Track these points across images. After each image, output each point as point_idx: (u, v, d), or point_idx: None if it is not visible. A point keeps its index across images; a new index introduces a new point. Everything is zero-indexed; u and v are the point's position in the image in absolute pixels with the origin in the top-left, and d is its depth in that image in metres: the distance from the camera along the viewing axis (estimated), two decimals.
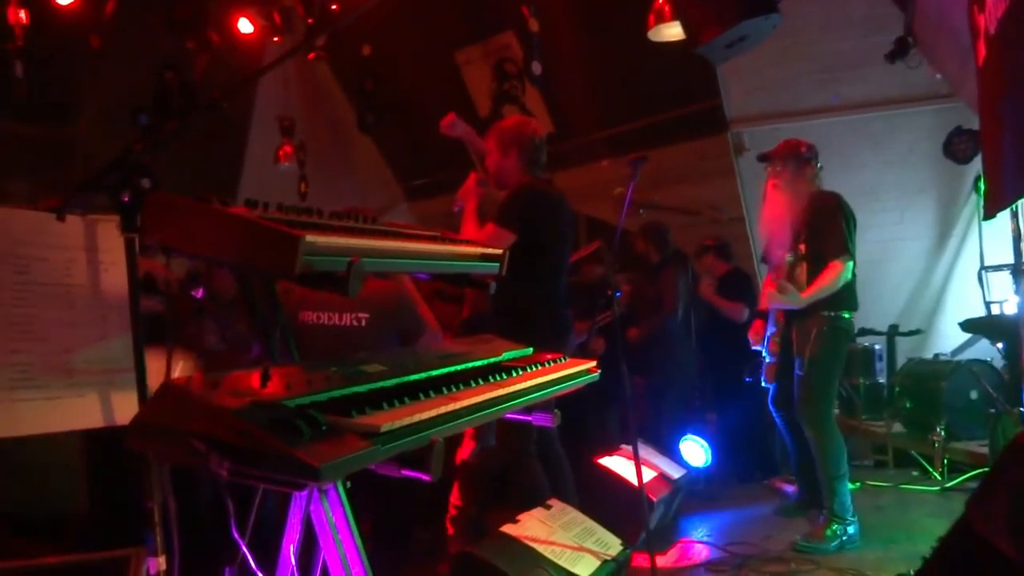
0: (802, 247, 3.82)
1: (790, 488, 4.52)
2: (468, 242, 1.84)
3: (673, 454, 4.47)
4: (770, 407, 4.11)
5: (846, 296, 3.70)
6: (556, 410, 1.88)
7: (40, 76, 5.79)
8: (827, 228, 3.70)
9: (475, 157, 3.67)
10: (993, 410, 4.42)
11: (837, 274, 3.62)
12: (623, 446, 4.07)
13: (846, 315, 3.73)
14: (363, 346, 3.04)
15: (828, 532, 3.59)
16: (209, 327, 2.70)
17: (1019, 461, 1.05)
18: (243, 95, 6.88)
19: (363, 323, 3.07)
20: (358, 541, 1.61)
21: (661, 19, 4.25)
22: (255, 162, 7.47)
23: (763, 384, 4.15)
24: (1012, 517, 1.00)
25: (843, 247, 3.63)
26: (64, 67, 6.01)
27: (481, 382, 1.58)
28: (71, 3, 5.80)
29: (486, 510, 3.31)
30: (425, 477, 1.23)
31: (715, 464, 4.67)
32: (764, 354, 4.17)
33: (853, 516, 3.65)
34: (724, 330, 5.19)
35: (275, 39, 6.52)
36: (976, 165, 5.22)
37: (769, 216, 3.96)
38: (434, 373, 1.61)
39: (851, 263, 3.65)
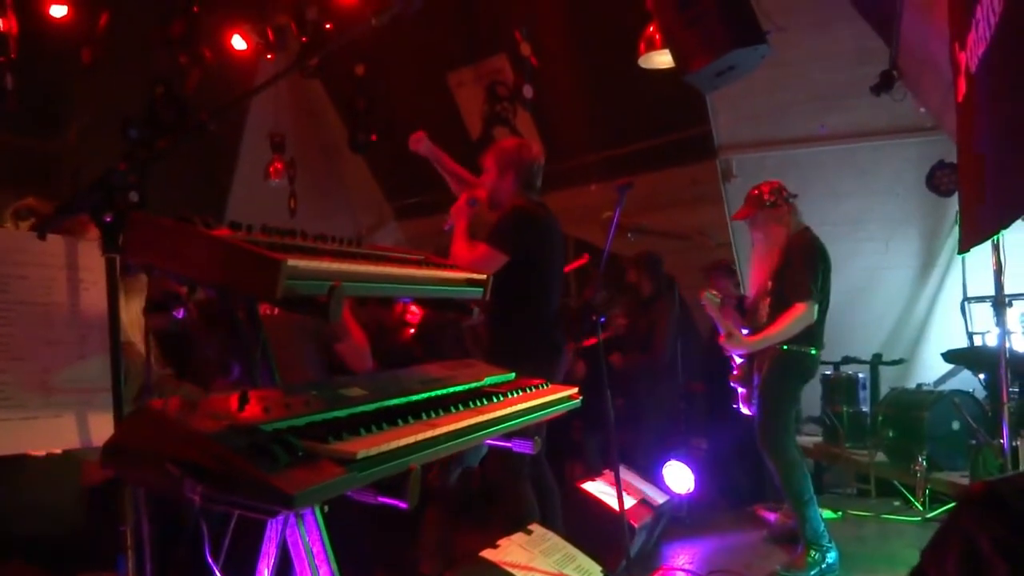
0: (769, 284, 3.85)
1: (773, 516, 4.51)
2: (452, 267, 1.85)
3: (656, 479, 4.46)
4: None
5: (801, 331, 3.66)
6: (537, 437, 1.87)
7: (31, 88, 5.79)
8: (792, 270, 3.69)
9: (445, 175, 3.69)
10: (974, 441, 4.44)
11: (796, 317, 3.61)
12: (606, 471, 4.06)
13: (801, 349, 3.69)
14: (278, 334, 2.96)
15: (808, 560, 3.58)
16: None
17: (971, 513, 1.06)
18: (235, 111, 6.89)
19: (275, 311, 2.99)
20: (334, 566, 1.60)
21: (651, 47, 4.32)
22: (245, 178, 7.47)
23: (749, 412, 4.16)
24: (965, 572, 1.01)
25: (806, 291, 3.61)
26: (55, 80, 6.01)
27: (462, 407, 1.57)
28: (64, 16, 5.82)
29: (457, 532, 3.29)
30: (401, 504, 1.23)
31: (701, 490, 4.66)
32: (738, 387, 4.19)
33: (830, 542, 3.64)
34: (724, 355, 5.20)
35: (268, 56, 6.56)
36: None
37: (754, 265, 4.01)
38: (414, 398, 1.61)
39: (815, 305, 3.62)
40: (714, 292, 3.91)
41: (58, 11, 5.78)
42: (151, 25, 6.12)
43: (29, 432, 1.45)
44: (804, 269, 3.65)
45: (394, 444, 1.25)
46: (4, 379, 1.42)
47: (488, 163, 3.35)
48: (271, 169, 7.33)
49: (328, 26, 6.23)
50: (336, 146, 8.05)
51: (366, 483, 1.19)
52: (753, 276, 4.01)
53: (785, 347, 3.70)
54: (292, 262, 1.24)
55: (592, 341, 4.83)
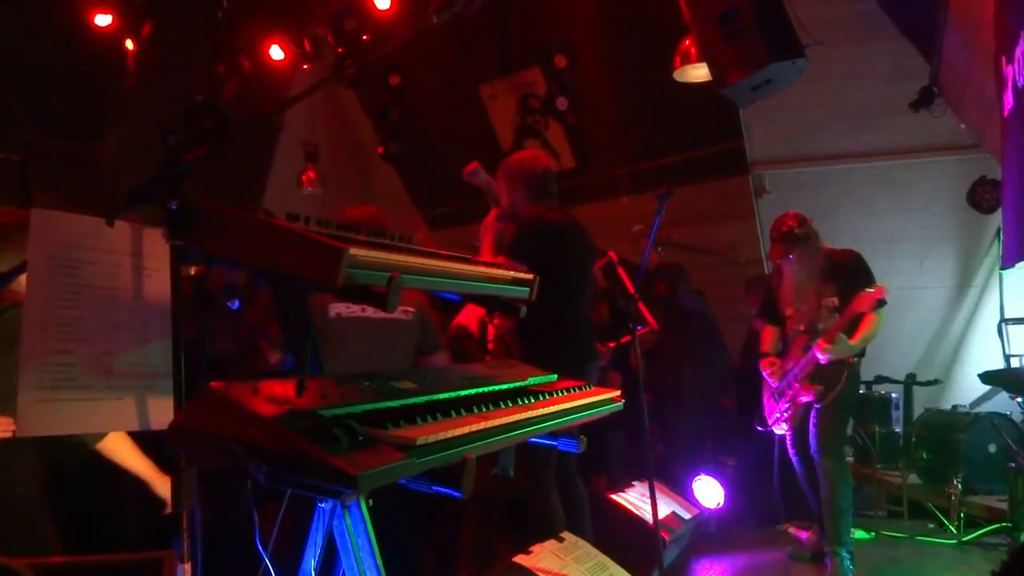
0: (832, 301, 3.81)
1: (804, 534, 4.46)
2: (500, 265, 1.86)
3: (685, 493, 4.43)
4: (790, 453, 4.07)
5: None
6: (582, 436, 1.87)
7: (74, 94, 5.93)
8: (859, 283, 3.72)
9: (495, 205, 3.70)
10: (1013, 464, 4.35)
11: (876, 324, 3.71)
12: (635, 483, 4.04)
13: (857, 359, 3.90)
14: (406, 341, 3.00)
15: (841, 566, 3.66)
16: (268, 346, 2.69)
17: None
18: (269, 120, 7.00)
19: (410, 316, 3.03)
20: (378, 558, 1.60)
21: (687, 60, 4.33)
22: (278, 186, 7.57)
23: (776, 433, 4.11)
24: None
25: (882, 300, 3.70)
26: (98, 86, 6.15)
27: (510, 404, 1.58)
28: (108, 25, 5.97)
29: (499, 539, 3.28)
30: (456, 494, 1.24)
31: (729, 506, 4.61)
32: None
33: (851, 547, 3.78)
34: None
35: (304, 66, 6.66)
36: (998, 216, 5.21)
37: (793, 293, 3.99)
38: (463, 393, 1.62)
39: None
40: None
41: (103, 20, 5.94)
42: (191, 35, 6.25)
43: (92, 413, 1.49)
44: (871, 280, 3.74)
45: (450, 433, 1.26)
46: (71, 360, 1.46)
47: (500, 183, 3.36)
48: (304, 178, 7.43)
49: (364, 37, 6.31)
50: (368, 156, 8.13)
51: (423, 470, 1.20)
52: (792, 297, 3.96)
53: (856, 358, 3.84)
54: (354, 251, 1.26)
55: (608, 348, 4.82)
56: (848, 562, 3.70)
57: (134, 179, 1.47)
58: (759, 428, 4.22)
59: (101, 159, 6.09)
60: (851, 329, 3.69)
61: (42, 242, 1.46)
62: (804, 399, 3.88)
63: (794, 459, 4.06)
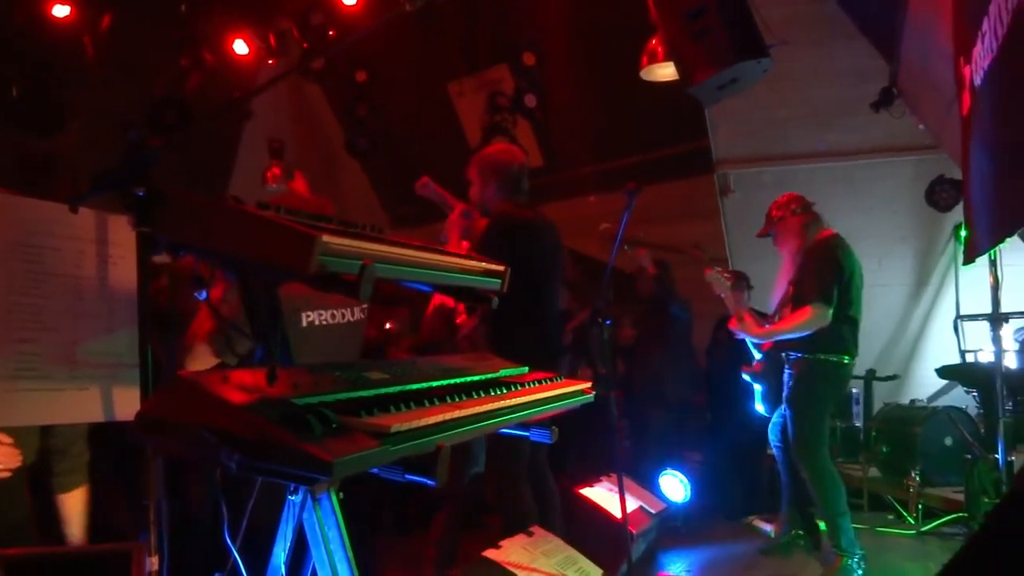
0: (790, 290, 3.90)
1: (768, 527, 4.52)
2: (472, 257, 1.86)
3: (652, 488, 4.47)
4: (770, 437, 4.15)
5: (826, 339, 3.70)
6: (554, 427, 1.88)
7: (32, 86, 5.77)
8: (807, 273, 3.76)
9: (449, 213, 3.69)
10: (969, 456, 4.47)
11: (805, 318, 3.65)
12: (603, 478, 4.06)
13: (832, 358, 3.73)
14: (360, 341, 2.95)
15: (842, 567, 3.64)
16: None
17: None
18: (233, 116, 6.90)
19: (366, 314, 2.98)
20: (349, 551, 1.59)
21: (654, 59, 4.37)
22: (242, 182, 7.45)
23: (765, 413, 4.20)
24: None
25: (816, 293, 3.65)
26: (57, 78, 6.00)
27: (482, 394, 1.58)
28: (67, 16, 5.83)
29: (462, 540, 3.26)
30: (430, 483, 1.23)
31: (696, 500, 4.66)
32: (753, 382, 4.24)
33: (861, 550, 3.69)
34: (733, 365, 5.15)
35: (270, 61, 6.57)
36: (955, 215, 5.35)
37: (778, 280, 4.09)
38: (435, 384, 1.61)
39: (827, 308, 3.64)
40: (722, 272, 3.95)
41: (61, 11, 5.79)
42: (154, 27, 6.14)
43: (56, 404, 1.45)
44: (815, 272, 3.72)
45: (424, 421, 1.26)
46: (34, 349, 1.42)
47: (472, 174, 3.35)
48: (268, 174, 7.31)
49: (331, 32, 6.25)
50: (334, 153, 8.06)
51: (397, 458, 1.19)
52: (776, 290, 4.05)
53: (817, 356, 3.72)
54: (326, 238, 1.25)
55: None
56: (851, 562, 3.62)
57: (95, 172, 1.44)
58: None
59: (61, 152, 5.93)
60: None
61: (3, 227, 1.42)
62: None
63: (775, 449, 4.16)
